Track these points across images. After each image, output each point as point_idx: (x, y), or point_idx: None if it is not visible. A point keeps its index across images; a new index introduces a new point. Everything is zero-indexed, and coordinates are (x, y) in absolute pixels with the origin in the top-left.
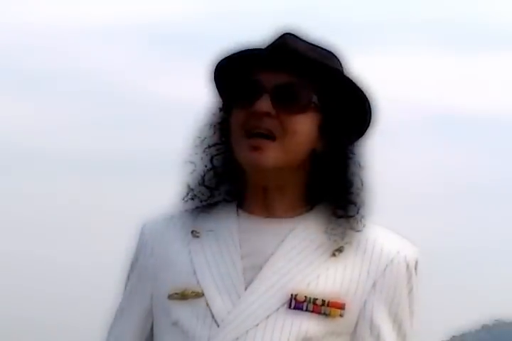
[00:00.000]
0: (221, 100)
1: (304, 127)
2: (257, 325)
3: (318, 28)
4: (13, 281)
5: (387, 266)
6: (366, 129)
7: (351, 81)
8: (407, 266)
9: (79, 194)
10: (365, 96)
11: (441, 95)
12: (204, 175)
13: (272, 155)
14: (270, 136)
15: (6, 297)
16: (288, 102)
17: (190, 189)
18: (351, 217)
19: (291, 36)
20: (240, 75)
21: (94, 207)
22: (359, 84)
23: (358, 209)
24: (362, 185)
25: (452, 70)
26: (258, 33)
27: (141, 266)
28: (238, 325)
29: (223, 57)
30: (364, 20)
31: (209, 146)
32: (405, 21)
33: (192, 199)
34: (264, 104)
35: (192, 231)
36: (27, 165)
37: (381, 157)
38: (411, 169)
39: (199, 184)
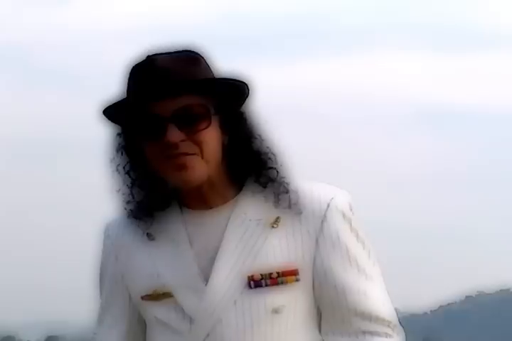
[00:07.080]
0: (118, 127)
1: (212, 135)
2: (227, 310)
3: (321, 30)
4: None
5: (322, 221)
6: (250, 107)
7: (227, 80)
8: (343, 214)
9: None
10: (240, 82)
11: (432, 92)
12: (131, 192)
13: (198, 170)
14: (189, 154)
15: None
16: (191, 124)
17: (127, 208)
18: (275, 183)
19: (156, 57)
20: (136, 111)
21: None
22: (231, 77)
23: (278, 176)
24: (273, 154)
25: (442, 69)
26: (265, 36)
27: (110, 273)
28: (210, 315)
29: (111, 104)
30: (365, 22)
31: (124, 166)
32: (402, 24)
33: (133, 213)
34: (174, 134)
35: (147, 234)
36: (72, 155)
37: (380, 146)
38: (404, 157)
39: (130, 201)
